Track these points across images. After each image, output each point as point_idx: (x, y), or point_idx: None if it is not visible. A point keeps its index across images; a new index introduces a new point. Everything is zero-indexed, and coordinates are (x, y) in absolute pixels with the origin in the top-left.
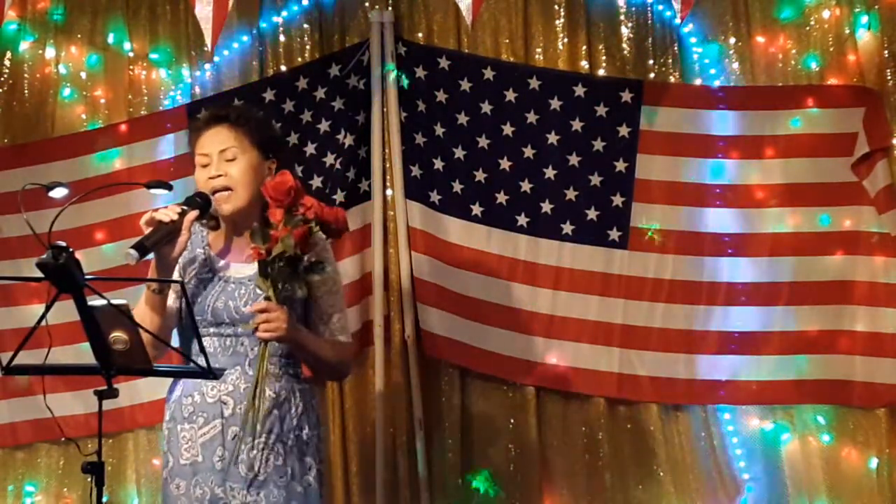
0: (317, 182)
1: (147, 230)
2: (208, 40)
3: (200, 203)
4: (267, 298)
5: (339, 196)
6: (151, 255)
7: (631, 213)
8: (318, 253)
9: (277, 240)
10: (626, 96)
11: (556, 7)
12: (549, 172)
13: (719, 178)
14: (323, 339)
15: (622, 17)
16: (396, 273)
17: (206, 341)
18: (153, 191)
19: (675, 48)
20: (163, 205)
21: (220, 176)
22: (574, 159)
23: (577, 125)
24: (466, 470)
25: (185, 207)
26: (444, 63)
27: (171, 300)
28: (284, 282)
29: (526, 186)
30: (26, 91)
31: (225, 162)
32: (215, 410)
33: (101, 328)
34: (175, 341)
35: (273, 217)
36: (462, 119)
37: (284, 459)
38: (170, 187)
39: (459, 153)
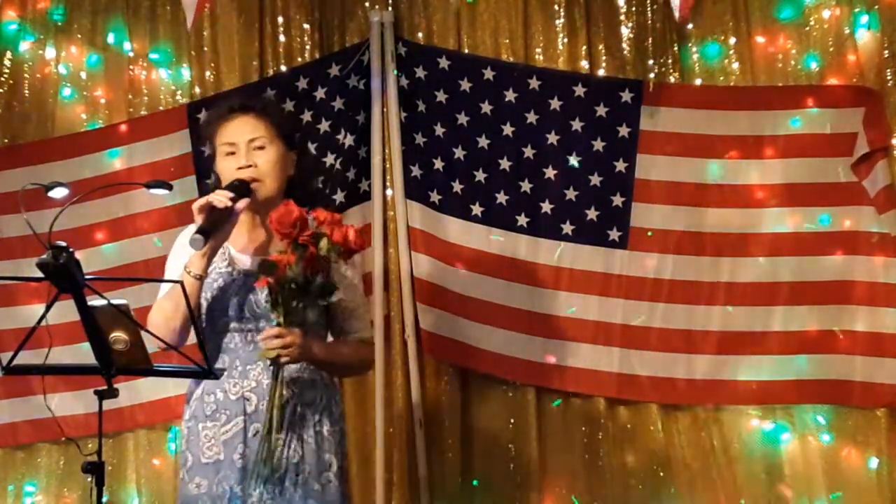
0: (317, 182)
1: (199, 216)
2: (189, 18)
3: (244, 190)
4: (278, 324)
5: (339, 196)
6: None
7: (631, 213)
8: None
9: (285, 267)
10: (626, 96)
11: (556, 7)
12: (549, 172)
13: (719, 178)
14: (339, 343)
15: (622, 17)
16: (396, 273)
17: (228, 336)
18: (153, 191)
19: (675, 48)
20: (162, 206)
21: (249, 167)
22: (574, 159)
23: (577, 125)
24: (466, 470)
25: (233, 195)
26: (444, 63)
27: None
28: (296, 307)
29: (526, 186)
30: (26, 91)
31: (253, 151)
32: (238, 408)
33: (101, 328)
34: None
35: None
36: (462, 119)
37: (302, 456)
38: (170, 187)
39: (459, 153)
